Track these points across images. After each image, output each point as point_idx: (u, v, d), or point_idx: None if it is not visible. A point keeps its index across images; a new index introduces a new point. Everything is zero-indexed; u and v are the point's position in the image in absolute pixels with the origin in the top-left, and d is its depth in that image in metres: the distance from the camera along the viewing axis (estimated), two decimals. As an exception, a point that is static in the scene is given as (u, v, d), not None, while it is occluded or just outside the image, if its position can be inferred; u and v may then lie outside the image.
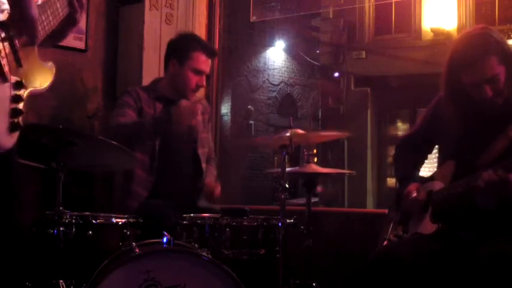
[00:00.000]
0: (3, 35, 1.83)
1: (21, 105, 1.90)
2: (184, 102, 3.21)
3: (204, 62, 3.38)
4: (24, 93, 1.92)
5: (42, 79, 2.03)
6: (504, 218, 2.38)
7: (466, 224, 2.46)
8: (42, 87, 2.03)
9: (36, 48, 2.01)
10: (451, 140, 2.60)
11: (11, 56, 1.87)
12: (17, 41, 1.89)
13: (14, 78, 1.89)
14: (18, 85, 1.90)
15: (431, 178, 2.71)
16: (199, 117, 3.47)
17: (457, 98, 2.53)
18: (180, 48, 3.40)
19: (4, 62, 1.83)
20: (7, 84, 1.85)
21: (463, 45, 2.50)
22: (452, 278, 2.38)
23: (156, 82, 3.52)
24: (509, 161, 2.29)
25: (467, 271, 2.29)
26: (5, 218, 2.02)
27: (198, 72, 3.36)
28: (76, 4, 2.15)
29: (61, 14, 2.10)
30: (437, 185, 2.61)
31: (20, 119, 1.89)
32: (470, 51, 2.44)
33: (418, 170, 2.82)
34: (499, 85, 2.43)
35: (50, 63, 2.09)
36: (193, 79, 3.35)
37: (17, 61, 1.89)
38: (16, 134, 1.90)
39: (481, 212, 2.41)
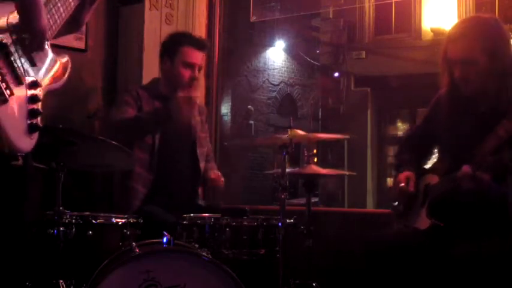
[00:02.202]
0: (14, 37, 1.82)
1: (38, 106, 1.89)
2: (180, 93, 3.24)
3: (193, 55, 3.44)
4: (40, 91, 1.91)
5: (57, 75, 2.02)
6: (489, 217, 2.38)
7: (456, 221, 2.46)
8: (58, 84, 2.02)
9: (49, 44, 2.00)
10: (448, 134, 2.61)
11: (23, 57, 1.86)
12: (28, 42, 1.87)
13: (29, 79, 1.88)
14: (34, 85, 1.89)
15: (430, 171, 2.71)
16: (198, 118, 3.51)
17: (445, 76, 2.58)
18: (170, 45, 3.49)
19: (18, 64, 1.82)
20: (22, 86, 1.84)
21: (461, 21, 2.66)
22: (434, 276, 2.39)
23: (155, 81, 3.59)
24: (490, 158, 2.30)
25: (444, 270, 2.31)
26: (14, 218, 2.01)
27: (189, 65, 3.42)
28: None
29: (72, 4, 2.09)
30: (435, 179, 2.62)
31: (39, 119, 1.89)
32: (459, 28, 2.55)
33: (417, 165, 2.82)
34: (471, 69, 2.46)
35: (66, 58, 2.09)
36: (185, 73, 3.41)
37: (31, 61, 1.89)
38: (35, 136, 1.89)
39: (468, 208, 2.41)
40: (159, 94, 3.45)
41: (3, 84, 1.75)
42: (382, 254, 2.45)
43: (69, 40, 3.66)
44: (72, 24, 2.19)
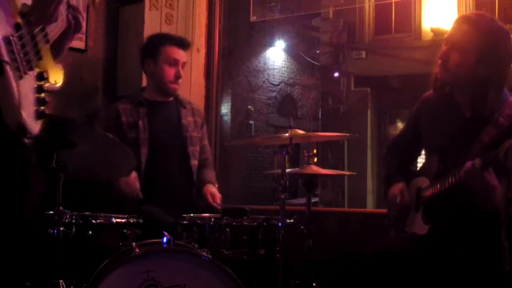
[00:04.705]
0: (27, 27, 1.88)
1: (44, 95, 1.96)
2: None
3: (176, 53, 3.50)
4: (46, 84, 1.97)
5: (56, 77, 2.08)
6: (484, 217, 2.31)
7: (452, 223, 2.45)
8: (56, 85, 2.08)
9: (50, 47, 2.06)
10: (434, 135, 2.59)
11: (32, 48, 1.92)
12: (37, 35, 1.94)
13: (36, 70, 1.96)
14: (41, 76, 1.97)
15: (419, 173, 2.70)
16: (190, 118, 3.55)
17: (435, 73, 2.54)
18: (151, 47, 3.54)
19: (31, 54, 1.90)
20: (32, 74, 1.93)
21: (478, 14, 2.53)
22: (433, 278, 2.38)
23: (143, 89, 3.66)
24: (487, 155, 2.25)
25: (443, 273, 2.30)
26: (14, 217, 2.02)
27: (172, 63, 3.48)
28: (72, 22, 2.21)
29: (60, 24, 2.16)
30: (425, 182, 2.60)
31: (45, 108, 1.95)
32: (461, 21, 2.48)
33: (405, 170, 2.80)
34: (456, 54, 2.40)
35: (59, 64, 2.15)
36: (170, 71, 3.47)
37: (38, 54, 1.95)
38: (40, 122, 1.95)
39: (463, 209, 2.40)
40: (143, 100, 3.51)
41: (19, 60, 1.85)
42: (382, 256, 2.43)
43: (69, 40, 3.66)
44: (54, 49, 2.22)
